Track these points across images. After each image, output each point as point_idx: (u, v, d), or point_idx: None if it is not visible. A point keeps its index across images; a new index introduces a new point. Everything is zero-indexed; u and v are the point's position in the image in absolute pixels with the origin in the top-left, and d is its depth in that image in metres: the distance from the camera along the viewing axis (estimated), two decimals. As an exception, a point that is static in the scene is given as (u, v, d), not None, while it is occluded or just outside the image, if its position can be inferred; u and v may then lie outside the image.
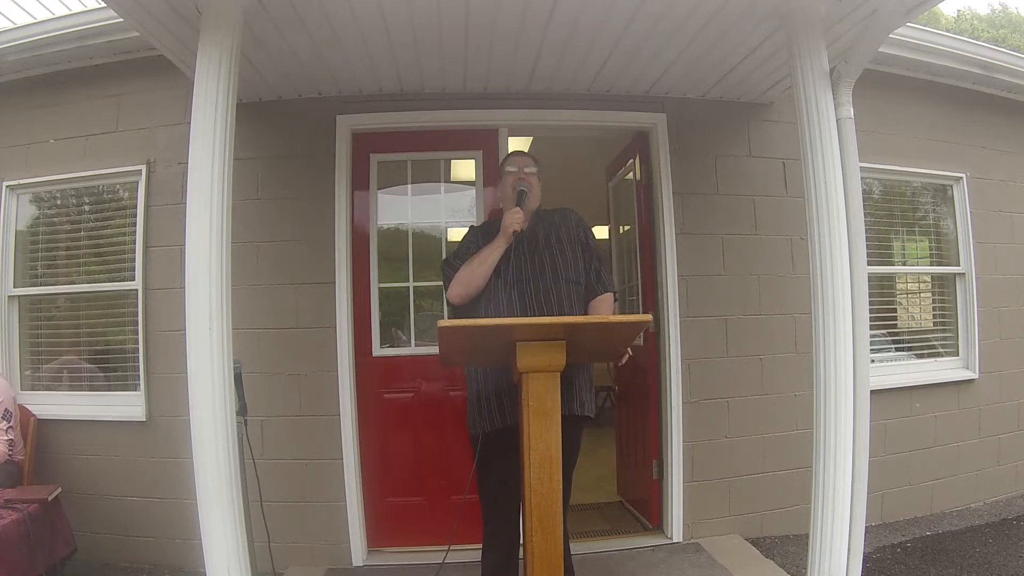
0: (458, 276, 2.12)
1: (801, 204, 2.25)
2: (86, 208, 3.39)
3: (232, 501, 1.85)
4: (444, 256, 3.11)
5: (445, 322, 1.64)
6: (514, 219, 2.08)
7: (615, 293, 2.25)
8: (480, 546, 2.16)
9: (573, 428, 2.04)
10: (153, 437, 3.02)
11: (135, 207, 3.14)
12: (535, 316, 2.04)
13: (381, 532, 3.07)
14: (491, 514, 2.13)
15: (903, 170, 3.68)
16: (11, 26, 3.35)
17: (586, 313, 2.17)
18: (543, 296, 2.08)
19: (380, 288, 3.15)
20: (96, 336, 3.33)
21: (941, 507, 3.52)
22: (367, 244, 3.15)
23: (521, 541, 2.21)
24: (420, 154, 3.22)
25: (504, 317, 2.03)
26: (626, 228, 3.76)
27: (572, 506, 2.21)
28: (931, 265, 3.87)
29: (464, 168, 3.29)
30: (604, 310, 2.18)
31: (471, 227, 2.36)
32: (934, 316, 3.88)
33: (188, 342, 1.87)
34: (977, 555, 2.94)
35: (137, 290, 3.09)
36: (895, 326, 3.81)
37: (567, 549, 2.12)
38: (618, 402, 3.96)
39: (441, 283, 3.08)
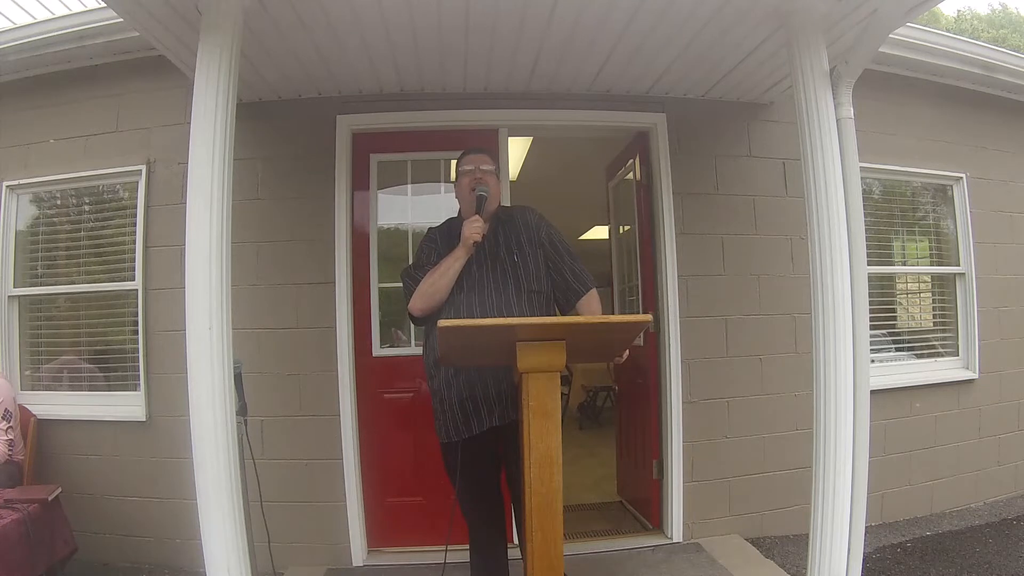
0: (419, 289, 2.07)
1: (801, 204, 2.25)
2: (86, 208, 3.39)
3: (232, 501, 1.85)
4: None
5: (445, 322, 1.64)
6: (473, 229, 2.02)
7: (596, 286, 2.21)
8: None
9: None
10: (153, 437, 3.02)
11: (135, 207, 3.14)
12: None
13: (381, 532, 3.07)
14: (472, 519, 2.13)
15: (903, 170, 3.68)
16: (11, 26, 3.35)
17: (573, 315, 2.14)
18: (504, 307, 2.03)
19: (380, 288, 3.15)
20: (96, 336, 3.33)
21: (941, 507, 3.52)
22: (367, 244, 3.15)
23: (508, 543, 2.22)
24: (420, 154, 3.22)
25: None
26: (626, 228, 3.76)
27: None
28: (931, 265, 3.87)
29: (464, 168, 3.29)
30: (595, 308, 2.16)
31: (429, 230, 2.28)
32: (934, 316, 3.88)
33: (188, 342, 1.87)
34: (977, 555, 2.94)
35: (137, 290, 3.09)
36: (895, 326, 3.81)
37: None
38: (618, 402, 3.96)
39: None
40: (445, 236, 2.18)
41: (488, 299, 2.04)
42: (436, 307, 2.06)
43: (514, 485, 2.05)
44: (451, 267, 2.04)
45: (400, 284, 3.09)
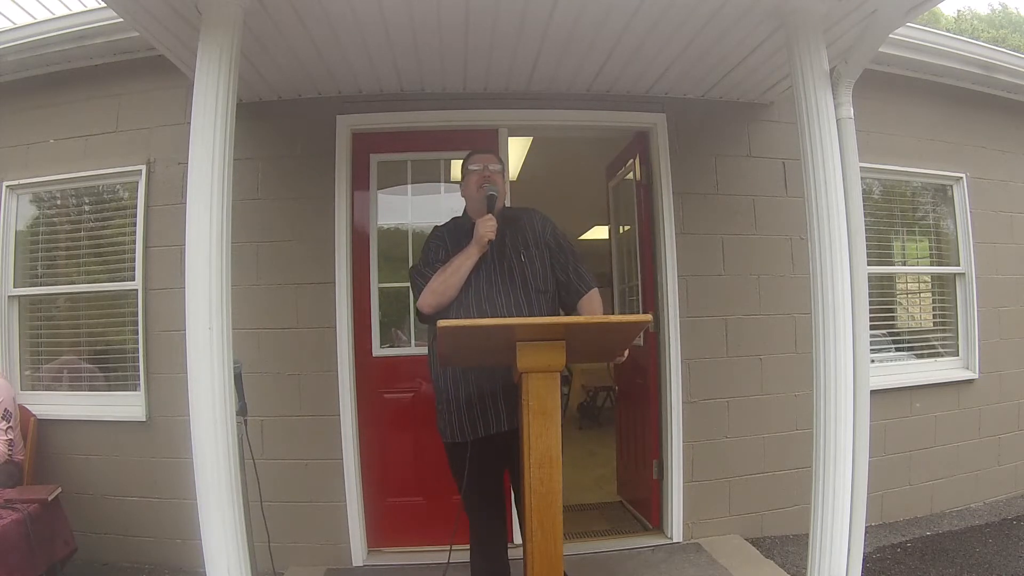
0: (430, 286, 2.06)
1: (801, 204, 2.25)
2: (86, 208, 3.39)
3: (232, 501, 1.85)
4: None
5: (445, 322, 1.63)
6: (488, 227, 2.01)
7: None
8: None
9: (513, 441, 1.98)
10: (153, 437, 3.02)
11: (135, 207, 3.14)
12: None
13: (381, 532, 3.07)
14: (475, 520, 2.12)
15: (903, 170, 3.68)
16: (11, 26, 3.34)
17: (575, 315, 2.15)
18: (514, 306, 2.04)
19: (380, 288, 3.15)
20: (96, 336, 3.33)
21: (941, 507, 3.53)
22: (367, 244, 3.15)
23: (509, 543, 2.22)
24: (420, 154, 3.22)
25: None
26: (626, 228, 3.76)
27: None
28: (931, 265, 3.87)
29: (464, 168, 3.29)
30: (596, 307, 2.16)
31: (435, 228, 2.28)
32: (934, 316, 3.88)
33: (188, 342, 1.87)
34: (977, 555, 2.94)
35: (137, 290, 3.09)
36: (895, 326, 3.81)
37: None
38: (618, 402, 3.96)
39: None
40: (452, 234, 2.18)
41: (496, 297, 2.05)
42: (446, 304, 2.05)
43: (517, 484, 2.05)
44: (463, 265, 2.04)
45: (399, 284, 3.18)
